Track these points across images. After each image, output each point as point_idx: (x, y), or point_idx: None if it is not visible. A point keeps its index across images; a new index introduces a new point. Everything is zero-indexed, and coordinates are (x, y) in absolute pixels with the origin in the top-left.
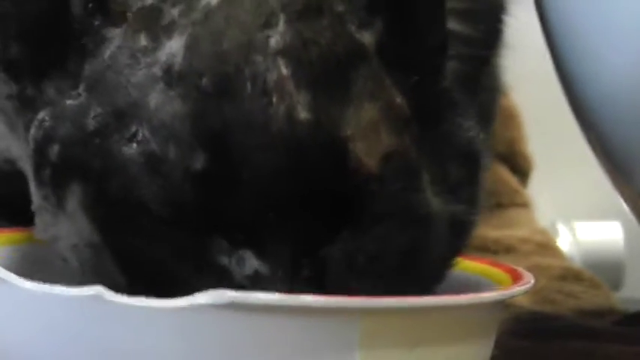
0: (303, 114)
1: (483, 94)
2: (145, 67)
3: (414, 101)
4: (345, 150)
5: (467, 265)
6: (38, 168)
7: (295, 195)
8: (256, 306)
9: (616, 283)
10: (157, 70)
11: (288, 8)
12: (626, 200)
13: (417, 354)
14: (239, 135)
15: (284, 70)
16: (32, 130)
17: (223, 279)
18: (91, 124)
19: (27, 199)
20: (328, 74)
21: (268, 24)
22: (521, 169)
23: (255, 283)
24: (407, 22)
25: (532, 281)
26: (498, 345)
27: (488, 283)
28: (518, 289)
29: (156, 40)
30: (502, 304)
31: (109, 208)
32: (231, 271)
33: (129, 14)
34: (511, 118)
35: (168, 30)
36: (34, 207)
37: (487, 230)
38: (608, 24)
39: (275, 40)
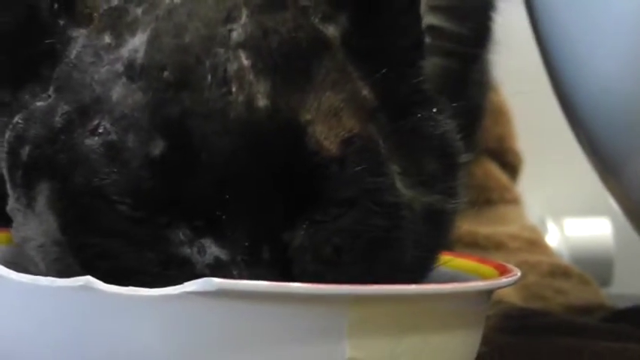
0: (262, 101)
1: (473, 89)
2: (109, 63)
3: (383, 94)
4: (303, 133)
5: (456, 262)
6: (11, 170)
7: (253, 179)
8: (244, 293)
9: (605, 280)
10: (119, 66)
11: (251, 2)
12: (614, 197)
13: (405, 343)
14: (197, 122)
15: (244, 61)
16: (7, 134)
17: (185, 270)
18: (58, 122)
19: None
20: (289, 63)
21: (230, 18)
22: (510, 165)
23: (215, 270)
24: (374, 17)
25: (518, 274)
26: (487, 341)
27: (476, 278)
28: (503, 280)
29: (119, 38)
30: (489, 296)
31: (72, 202)
32: (192, 262)
33: (95, 15)
34: (501, 115)
35: (132, 27)
36: (8, 209)
37: (477, 227)
38: (597, 22)
39: (237, 33)
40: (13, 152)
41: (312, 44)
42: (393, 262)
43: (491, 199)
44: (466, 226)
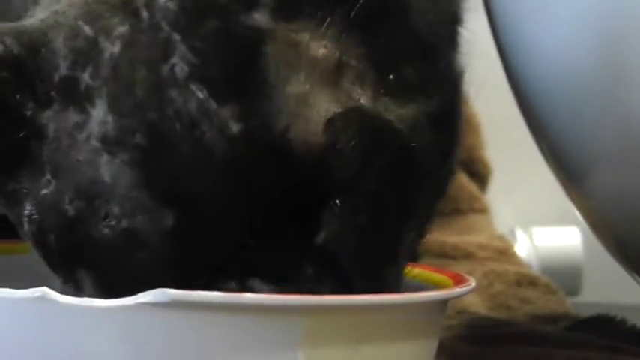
0: (234, 127)
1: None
2: (85, 143)
3: (341, 34)
4: (284, 142)
5: (413, 272)
6: (46, 258)
7: (260, 211)
8: (197, 304)
9: (574, 289)
10: (95, 143)
11: (176, 27)
12: (578, 208)
13: (360, 353)
14: (189, 181)
15: (199, 94)
16: (26, 227)
17: None
18: (69, 210)
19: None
20: (237, 77)
21: (167, 53)
22: (479, 175)
23: None
24: None
25: (473, 283)
26: (446, 350)
27: (431, 288)
28: (457, 290)
29: (83, 112)
30: (444, 305)
31: (111, 290)
32: None
33: (52, 93)
34: (470, 125)
35: (89, 97)
36: (60, 289)
37: (446, 236)
38: (560, 31)
39: (179, 67)
40: (41, 243)
41: (248, 45)
42: (421, 189)
43: (460, 208)
44: (435, 235)
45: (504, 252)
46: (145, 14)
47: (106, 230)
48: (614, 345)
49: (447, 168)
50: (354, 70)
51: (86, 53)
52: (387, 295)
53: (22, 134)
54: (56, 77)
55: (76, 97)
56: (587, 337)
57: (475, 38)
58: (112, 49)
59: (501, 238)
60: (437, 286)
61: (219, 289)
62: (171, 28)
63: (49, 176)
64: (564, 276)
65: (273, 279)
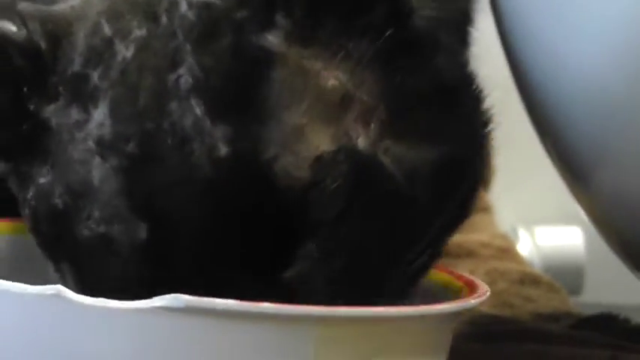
0: (223, 149)
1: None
2: (82, 142)
3: (358, 68)
4: (269, 172)
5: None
6: (40, 245)
7: (233, 237)
8: (211, 311)
9: (576, 288)
10: (91, 144)
11: (190, 37)
12: (582, 207)
13: None
14: (168, 197)
15: (197, 110)
16: (26, 211)
17: None
18: (58, 203)
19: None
20: (237, 96)
21: (175, 63)
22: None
23: None
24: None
25: (488, 293)
26: (451, 348)
27: (443, 291)
28: (472, 302)
29: (85, 111)
30: (457, 316)
31: (88, 290)
32: None
33: (61, 87)
34: None
35: (94, 97)
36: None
37: None
38: (568, 27)
39: (184, 79)
40: (35, 229)
41: (255, 66)
42: (410, 231)
43: None
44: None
45: (507, 251)
46: (164, 20)
47: (86, 231)
48: (618, 343)
49: (450, 217)
50: (362, 106)
51: (100, 53)
52: (401, 308)
53: (24, 126)
54: (69, 72)
55: (82, 95)
56: (591, 335)
57: (479, 37)
58: (125, 52)
59: (504, 237)
60: (449, 290)
61: None
62: (185, 37)
63: (49, 166)
64: (566, 275)
65: None
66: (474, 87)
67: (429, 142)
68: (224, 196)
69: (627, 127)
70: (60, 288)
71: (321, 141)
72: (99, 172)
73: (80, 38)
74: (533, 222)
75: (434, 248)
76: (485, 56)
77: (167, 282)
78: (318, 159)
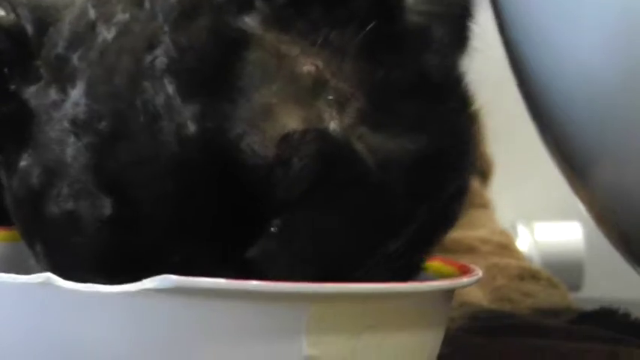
0: (191, 128)
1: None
2: (58, 122)
3: (337, 54)
4: (236, 150)
5: None
6: (20, 231)
7: (198, 214)
8: (202, 290)
9: (576, 284)
10: (66, 124)
11: (169, 19)
12: (582, 201)
13: (364, 341)
14: (134, 173)
15: (169, 89)
16: (9, 198)
17: None
18: (35, 184)
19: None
20: (209, 76)
21: (152, 45)
22: (481, 170)
23: None
24: None
25: (480, 274)
26: (451, 341)
27: (438, 278)
28: (464, 280)
29: (63, 92)
30: (450, 295)
31: (57, 269)
32: None
33: (42, 70)
34: None
35: (72, 78)
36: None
37: None
38: (568, 21)
39: (160, 60)
40: (15, 214)
41: (229, 46)
42: (383, 222)
43: None
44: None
45: (506, 247)
46: (147, 4)
47: (55, 209)
48: (617, 338)
49: (434, 215)
50: (338, 93)
51: (83, 36)
52: (392, 284)
53: (6, 108)
54: (52, 55)
55: (62, 76)
56: (591, 329)
57: (479, 31)
58: (106, 34)
59: (503, 232)
60: (443, 277)
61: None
62: (164, 19)
63: (30, 150)
64: (566, 271)
65: None
66: (462, 88)
67: (408, 135)
68: (190, 173)
69: (626, 122)
70: (49, 275)
71: (289, 120)
72: (72, 150)
73: (66, 24)
74: (533, 217)
75: (418, 245)
76: (485, 51)
77: (132, 258)
78: (285, 138)
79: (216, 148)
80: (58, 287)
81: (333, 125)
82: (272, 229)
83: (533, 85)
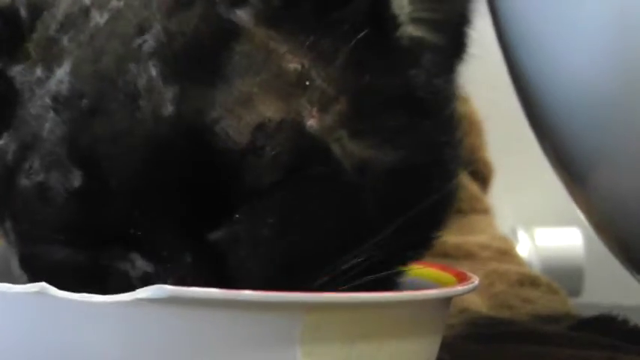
0: (168, 109)
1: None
2: (40, 98)
3: (324, 59)
4: (209, 133)
5: (416, 270)
6: None
7: (161, 191)
8: (196, 300)
9: (576, 289)
10: (47, 100)
11: (162, 7)
12: (581, 209)
13: (359, 350)
14: (107, 147)
15: (153, 71)
16: None
17: (123, 283)
18: (10, 160)
19: None
20: (194, 62)
21: (143, 30)
22: (481, 175)
23: (144, 283)
24: None
25: (476, 282)
26: (449, 349)
27: (434, 286)
28: (459, 288)
29: (49, 70)
30: (446, 303)
31: (23, 241)
32: (130, 276)
33: (32, 50)
34: (472, 125)
35: (59, 58)
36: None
37: (447, 236)
38: (564, 29)
39: (148, 44)
40: None
41: (218, 36)
42: (351, 226)
43: (461, 208)
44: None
45: (506, 252)
46: None
47: (26, 181)
48: (616, 344)
49: (410, 226)
50: (321, 93)
51: (75, 19)
52: (387, 293)
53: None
54: (43, 38)
55: (49, 56)
56: (590, 336)
57: (478, 39)
58: (98, 19)
59: (503, 238)
60: (440, 284)
61: (105, 256)
62: (158, 7)
63: (10, 130)
64: (566, 277)
65: (154, 258)
66: (449, 110)
67: (385, 146)
68: (163, 152)
69: (624, 130)
70: (43, 285)
71: (267, 110)
72: (50, 125)
73: (60, 8)
74: (533, 223)
75: (394, 251)
76: (486, 58)
77: (98, 230)
78: (261, 126)
79: (191, 129)
80: (53, 297)
81: (311, 122)
82: (237, 215)
83: (531, 92)
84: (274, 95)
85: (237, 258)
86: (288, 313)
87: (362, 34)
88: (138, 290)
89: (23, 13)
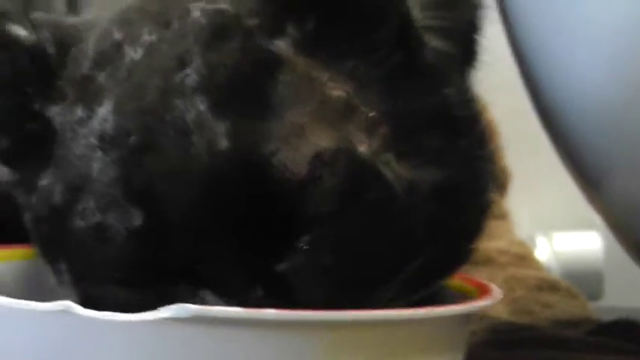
0: (223, 143)
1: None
2: (84, 137)
3: (363, 84)
4: (268, 165)
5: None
6: (40, 249)
7: (228, 227)
8: (219, 319)
9: (596, 293)
10: (93, 140)
11: (200, 40)
12: (598, 212)
13: None
14: (164, 183)
15: (200, 106)
16: (27, 216)
17: None
18: (57, 202)
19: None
20: (241, 93)
21: (183, 63)
22: (498, 181)
23: None
24: (334, 16)
25: (499, 296)
26: (471, 355)
27: (456, 297)
28: (481, 303)
29: (89, 109)
30: (469, 318)
31: (81, 283)
32: None
33: (68, 89)
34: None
35: (99, 96)
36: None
37: None
38: (576, 34)
39: (191, 78)
40: (35, 232)
41: (261, 67)
42: (405, 245)
43: None
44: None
45: (524, 257)
46: (175, 25)
47: (81, 222)
48: (636, 350)
49: (441, 241)
50: (366, 119)
51: (109, 56)
52: (409, 310)
53: (29, 127)
54: (77, 75)
55: (87, 95)
56: (610, 341)
57: (494, 45)
58: (133, 55)
59: (521, 243)
60: (461, 294)
61: (171, 295)
62: (195, 40)
63: (52, 168)
64: (585, 281)
65: (224, 294)
66: (480, 124)
67: (431, 165)
68: (221, 186)
69: (636, 134)
70: (68, 304)
71: (321, 140)
72: (98, 164)
73: (90, 44)
74: (551, 228)
75: (439, 266)
76: (502, 64)
77: (161, 269)
78: (317, 156)
79: (247, 163)
80: (77, 315)
81: (362, 148)
82: (302, 245)
83: (544, 98)
84: (324, 124)
85: (304, 287)
86: (311, 332)
87: (395, 57)
88: (161, 309)
89: (50, 49)
